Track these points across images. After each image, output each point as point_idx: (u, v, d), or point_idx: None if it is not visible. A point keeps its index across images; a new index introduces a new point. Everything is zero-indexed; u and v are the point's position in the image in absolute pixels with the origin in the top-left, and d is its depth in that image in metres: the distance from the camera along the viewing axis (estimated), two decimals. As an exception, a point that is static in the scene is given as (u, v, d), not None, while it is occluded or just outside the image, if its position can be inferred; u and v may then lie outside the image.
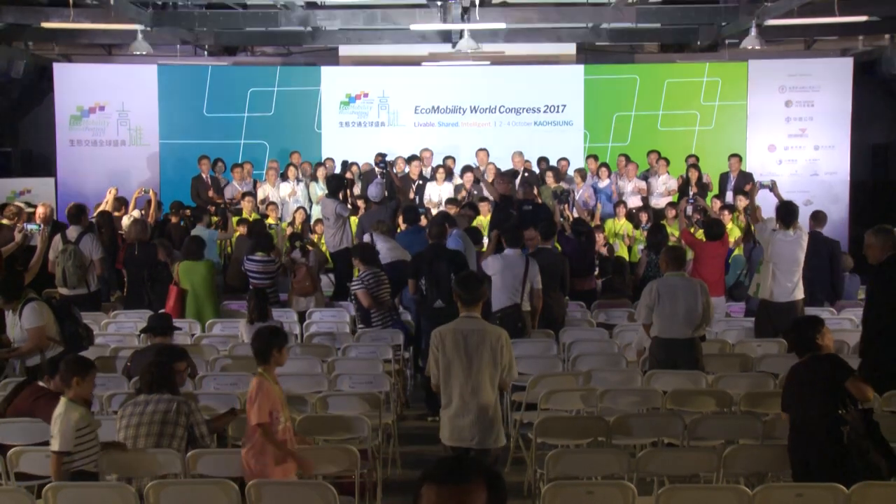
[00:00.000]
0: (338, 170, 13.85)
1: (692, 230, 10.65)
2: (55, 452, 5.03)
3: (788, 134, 15.33)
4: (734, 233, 11.19)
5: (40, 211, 10.41)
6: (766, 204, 9.43)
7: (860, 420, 4.84)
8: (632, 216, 12.48)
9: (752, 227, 10.49)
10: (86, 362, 5.39)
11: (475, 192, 12.53)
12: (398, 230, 10.39)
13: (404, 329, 8.45)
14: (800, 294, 8.26)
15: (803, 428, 5.04)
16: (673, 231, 11.10)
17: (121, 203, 11.74)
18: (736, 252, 10.97)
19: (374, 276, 8.49)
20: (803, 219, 10.02)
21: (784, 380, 5.21)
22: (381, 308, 8.45)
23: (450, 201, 11.85)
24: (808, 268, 9.13)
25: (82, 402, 5.22)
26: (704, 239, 9.50)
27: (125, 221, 11.32)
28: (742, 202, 11.60)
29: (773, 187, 9.39)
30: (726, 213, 11.47)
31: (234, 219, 12.41)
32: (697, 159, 13.58)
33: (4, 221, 10.56)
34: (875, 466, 4.78)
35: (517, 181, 12.10)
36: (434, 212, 12.34)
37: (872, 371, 6.40)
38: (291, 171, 13.46)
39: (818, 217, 9.88)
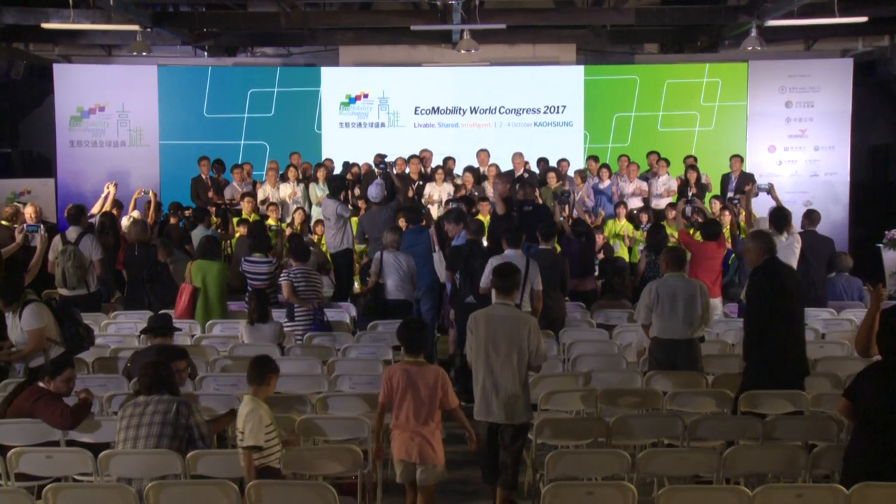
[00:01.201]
0: (338, 170, 13.85)
1: (690, 231, 10.64)
2: (247, 448, 5.14)
3: (788, 135, 15.33)
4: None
5: (29, 211, 10.43)
6: (764, 207, 9.42)
7: None
8: (632, 217, 12.47)
9: (744, 228, 10.48)
10: (273, 361, 5.58)
11: (475, 193, 12.52)
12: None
13: (327, 330, 8.46)
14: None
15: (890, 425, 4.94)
16: (672, 232, 11.09)
17: (113, 205, 11.72)
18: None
19: (304, 274, 8.62)
20: (797, 218, 10.02)
21: (859, 374, 5.11)
22: (305, 305, 8.49)
23: (449, 202, 11.82)
24: (808, 268, 9.12)
25: (265, 400, 5.41)
26: (701, 239, 9.49)
27: (124, 222, 11.32)
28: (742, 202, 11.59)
29: (770, 190, 9.42)
30: (726, 213, 11.45)
31: (234, 219, 12.41)
32: (696, 160, 13.55)
33: (4, 222, 10.57)
34: None
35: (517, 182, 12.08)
36: (434, 211, 12.35)
37: (755, 374, 6.39)
38: (291, 172, 13.45)
39: (812, 217, 9.84)
